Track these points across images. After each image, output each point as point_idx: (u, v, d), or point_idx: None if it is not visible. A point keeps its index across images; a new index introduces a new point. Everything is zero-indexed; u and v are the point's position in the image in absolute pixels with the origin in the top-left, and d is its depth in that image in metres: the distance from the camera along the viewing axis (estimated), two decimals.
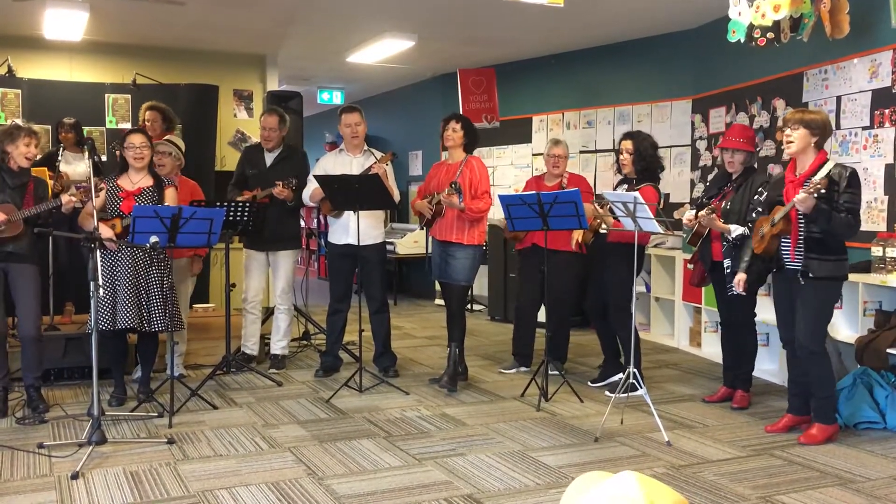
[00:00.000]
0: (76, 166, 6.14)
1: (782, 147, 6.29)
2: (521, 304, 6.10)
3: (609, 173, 7.83)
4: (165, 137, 5.94)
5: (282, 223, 5.95)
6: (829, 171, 4.19)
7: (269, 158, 6.05)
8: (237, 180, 6.12)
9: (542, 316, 6.00)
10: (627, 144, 5.44)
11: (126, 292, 4.76)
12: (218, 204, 5.36)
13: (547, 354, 5.30)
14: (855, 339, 5.02)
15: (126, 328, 4.83)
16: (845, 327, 5.27)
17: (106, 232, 4.62)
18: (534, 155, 9.01)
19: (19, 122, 4.83)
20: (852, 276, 5.08)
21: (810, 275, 4.25)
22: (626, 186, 5.44)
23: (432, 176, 5.70)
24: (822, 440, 4.32)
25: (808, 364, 4.37)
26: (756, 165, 6.31)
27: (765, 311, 5.96)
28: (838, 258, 4.28)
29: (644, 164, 5.41)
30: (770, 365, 5.92)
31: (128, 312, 4.75)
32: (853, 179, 4.19)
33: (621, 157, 5.46)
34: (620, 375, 5.47)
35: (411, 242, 9.80)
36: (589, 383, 5.66)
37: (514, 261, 6.17)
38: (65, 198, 4.65)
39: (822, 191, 4.05)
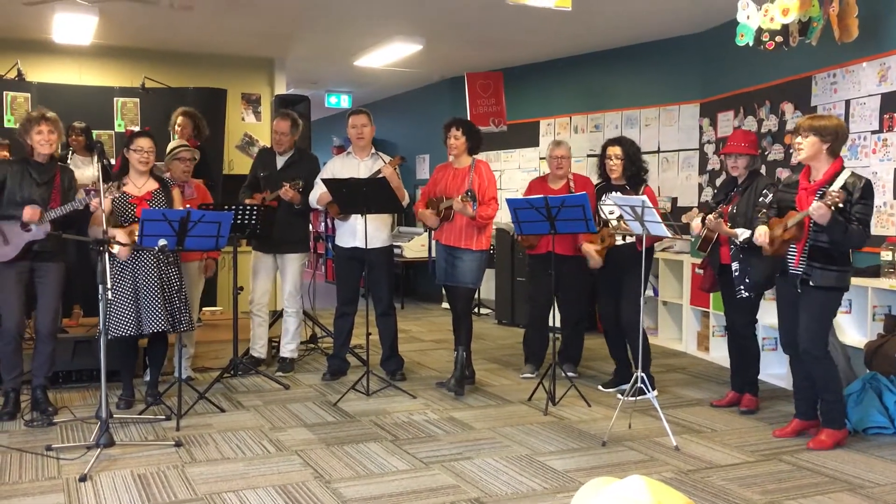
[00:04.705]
0: (84, 170, 6.16)
1: (791, 151, 6.29)
2: (532, 307, 6.08)
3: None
4: (182, 145, 5.92)
5: (290, 226, 5.96)
6: (845, 181, 4.17)
7: (280, 161, 6.07)
8: (250, 183, 6.16)
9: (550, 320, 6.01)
10: (616, 150, 5.42)
11: (153, 296, 4.76)
12: (226, 207, 5.38)
13: (557, 358, 5.30)
14: (864, 343, 5.00)
15: (153, 332, 4.84)
16: (854, 332, 5.24)
17: (123, 237, 4.63)
18: (541, 159, 9.00)
19: (45, 111, 4.82)
20: (862, 281, 5.09)
21: (811, 283, 4.25)
22: (618, 193, 5.41)
23: (438, 179, 5.70)
24: (830, 445, 4.30)
25: (812, 368, 4.36)
26: (764, 169, 6.33)
27: (775, 316, 5.94)
28: (841, 269, 4.26)
29: (634, 168, 5.43)
30: (778, 369, 5.89)
31: (156, 316, 4.75)
32: (867, 190, 4.16)
33: (610, 162, 5.44)
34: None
35: (418, 246, 9.80)
36: (600, 387, 5.65)
37: (523, 265, 6.14)
38: (96, 201, 4.57)
39: (840, 204, 4.03)
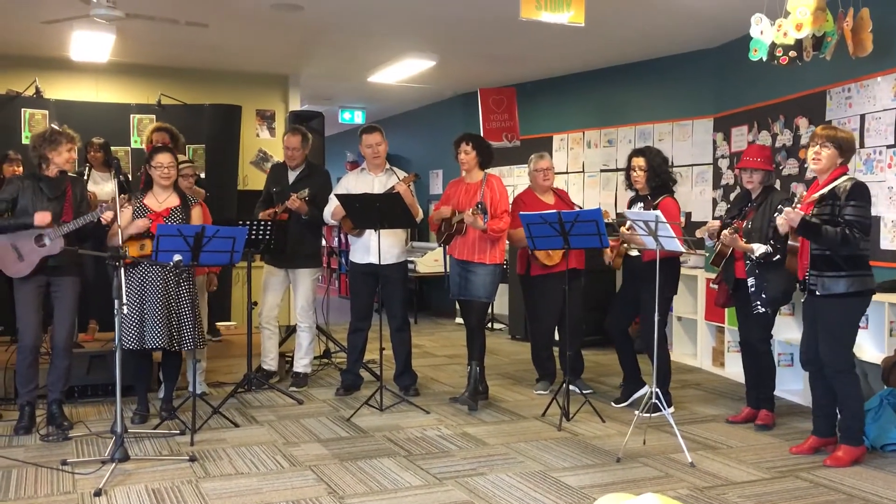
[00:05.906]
0: (103, 186, 6.21)
1: (805, 165, 6.25)
2: (544, 326, 6.07)
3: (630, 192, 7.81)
4: (182, 161, 5.95)
5: (302, 241, 5.99)
6: (835, 185, 4.16)
7: (292, 176, 6.12)
8: (264, 198, 6.21)
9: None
10: (640, 161, 5.41)
11: (156, 311, 4.80)
12: (240, 223, 5.41)
13: (567, 374, 5.28)
14: (881, 359, 4.96)
15: (155, 348, 4.87)
16: (871, 348, 5.20)
17: (132, 250, 4.67)
18: (554, 174, 8.98)
19: (55, 126, 4.90)
20: (878, 297, 5.00)
21: (817, 293, 4.23)
22: (641, 204, 5.41)
23: (451, 194, 5.72)
24: (848, 462, 4.26)
25: (833, 382, 4.31)
26: (778, 184, 6.30)
27: (790, 332, 5.91)
28: (852, 273, 4.18)
29: (658, 179, 5.40)
30: (794, 385, 5.85)
31: (157, 332, 4.79)
32: (855, 191, 4.10)
33: (633, 174, 5.44)
34: (645, 390, 5.44)
35: (432, 261, 9.80)
36: (612, 403, 5.62)
37: (523, 283, 6.12)
38: (107, 214, 4.61)
39: (799, 204, 4.08)
